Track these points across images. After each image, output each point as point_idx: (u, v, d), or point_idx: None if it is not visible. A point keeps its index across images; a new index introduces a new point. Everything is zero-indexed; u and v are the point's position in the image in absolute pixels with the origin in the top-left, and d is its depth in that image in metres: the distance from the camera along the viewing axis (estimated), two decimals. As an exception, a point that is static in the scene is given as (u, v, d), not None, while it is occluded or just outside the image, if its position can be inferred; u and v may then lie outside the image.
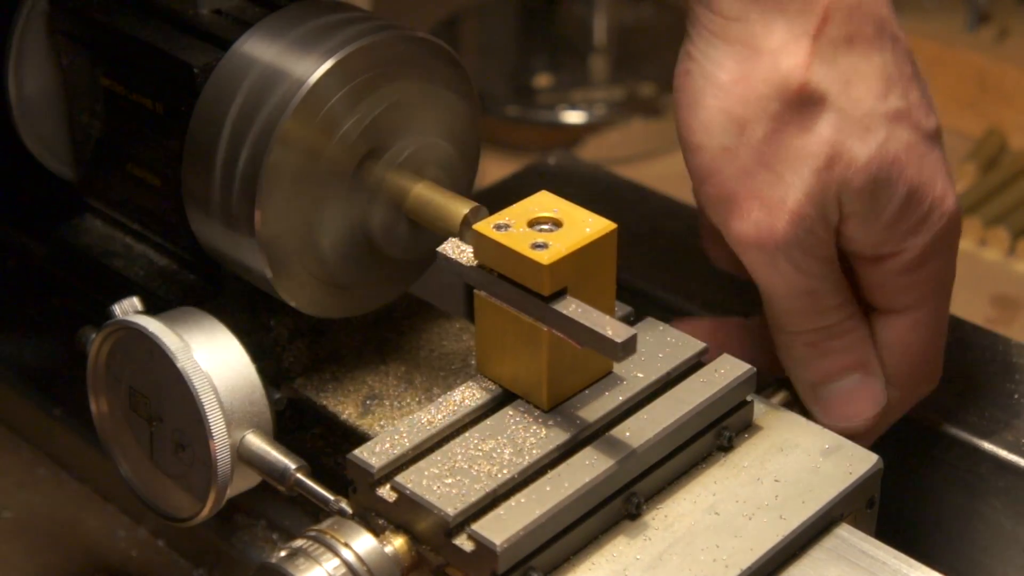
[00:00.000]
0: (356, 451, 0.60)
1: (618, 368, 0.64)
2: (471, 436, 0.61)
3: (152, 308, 0.67)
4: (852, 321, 0.67)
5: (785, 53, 0.62)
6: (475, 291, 0.62)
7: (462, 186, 0.69)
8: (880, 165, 0.63)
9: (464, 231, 0.64)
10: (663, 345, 0.65)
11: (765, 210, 0.63)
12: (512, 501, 0.58)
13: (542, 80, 1.35)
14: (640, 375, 0.63)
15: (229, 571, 0.76)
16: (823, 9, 0.63)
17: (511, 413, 0.62)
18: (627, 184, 0.94)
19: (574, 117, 1.31)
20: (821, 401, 0.68)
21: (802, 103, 0.63)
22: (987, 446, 0.72)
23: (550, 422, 0.61)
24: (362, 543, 0.59)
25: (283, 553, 0.59)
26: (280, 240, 0.65)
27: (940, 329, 0.69)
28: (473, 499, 0.58)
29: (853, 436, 0.65)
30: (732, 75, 0.63)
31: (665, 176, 1.15)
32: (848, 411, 0.68)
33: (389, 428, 0.62)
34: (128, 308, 0.67)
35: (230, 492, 0.65)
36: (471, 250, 0.62)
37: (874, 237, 0.65)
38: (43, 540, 0.82)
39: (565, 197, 0.62)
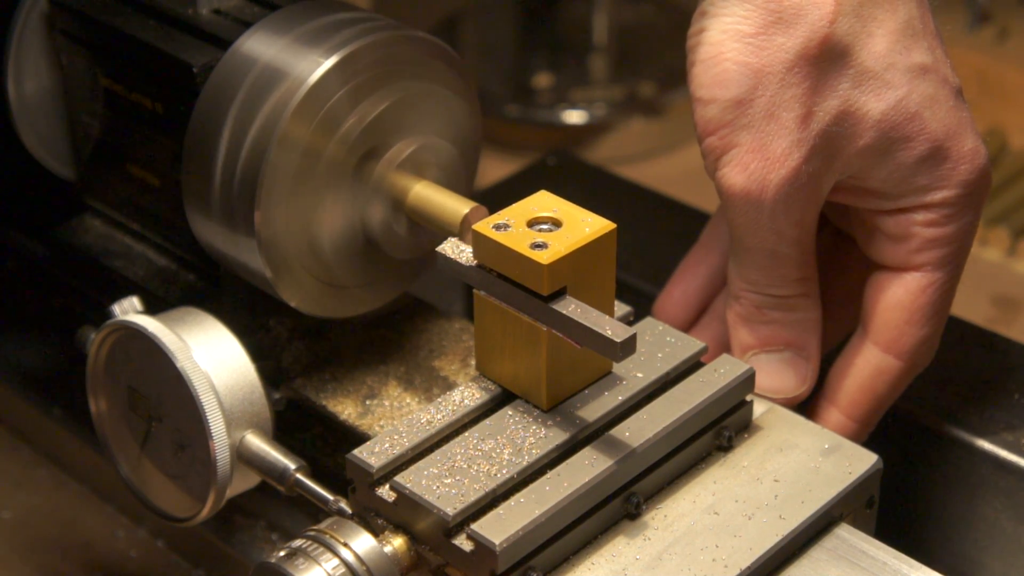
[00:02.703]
0: (355, 451, 0.60)
1: (618, 368, 0.64)
2: (470, 436, 0.61)
3: (152, 308, 0.67)
4: (805, 300, 0.67)
5: (811, 5, 0.63)
6: (475, 291, 0.62)
7: (462, 186, 0.69)
8: (896, 120, 0.64)
9: (464, 231, 0.64)
10: (662, 345, 0.65)
11: (764, 162, 0.64)
12: (511, 501, 0.58)
13: (542, 80, 1.35)
14: (640, 375, 0.63)
15: (228, 571, 0.76)
16: None
17: (510, 413, 0.62)
18: (627, 184, 0.94)
19: (574, 117, 1.31)
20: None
21: (823, 56, 0.63)
22: (987, 446, 0.72)
23: (549, 422, 0.61)
24: (361, 543, 0.59)
25: (282, 553, 0.59)
26: (280, 240, 0.65)
27: (948, 301, 0.68)
28: (472, 499, 0.58)
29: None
30: (754, 27, 0.63)
31: (665, 176, 1.15)
32: (768, 384, 0.68)
33: (388, 428, 0.62)
34: (128, 308, 0.67)
35: (230, 492, 0.65)
36: (471, 250, 0.62)
37: (895, 188, 0.65)
38: (43, 540, 0.82)
39: (565, 197, 0.62)
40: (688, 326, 0.74)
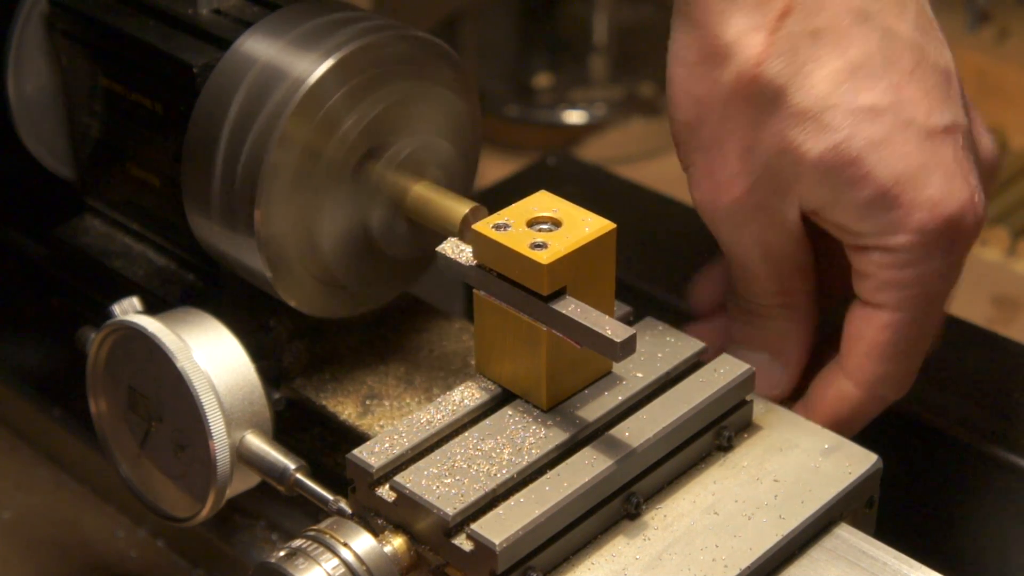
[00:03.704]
0: (355, 451, 0.60)
1: (617, 368, 0.64)
2: (470, 436, 0.61)
3: (152, 308, 0.67)
4: (785, 311, 0.67)
5: (740, 44, 0.62)
6: (474, 291, 0.62)
7: (462, 186, 0.69)
8: (835, 163, 0.62)
9: (463, 231, 0.64)
10: (662, 345, 0.65)
11: (713, 185, 0.65)
12: (511, 501, 0.58)
13: (542, 80, 1.35)
14: (639, 375, 0.63)
15: (228, 571, 0.76)
16: (784, 2, 0.62)
17: (510, 413, 0.62)
18: (627, 184, 0.94)
19: (574, 117, 1.31)
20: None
21: (755, 95, 0.62)
22: (987, 446, 0.72)
23: (549, 422, 0.61)
24: (361, 543, 0.59)
25: (282, 553, 0.59)
26: (280, 240, 0.65)
27: (917, 339, 0.65)
28: (472, 499, 0.58)
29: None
30: (695, 57, 0.64)
31: (665, 176, 1.15)
32: None
33: (388, 428, 0.62)
34: (128, 308, 0.67)
35: (229, 492, 0.65)
36: (470, 250, 0.62)
37: (849, 228, 0.64)
38: (43, 540, 0.82)
39: (565, 197, 0.62)
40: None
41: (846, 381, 0.66)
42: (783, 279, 0.67)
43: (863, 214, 0.62)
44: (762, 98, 0.62)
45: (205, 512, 0.65)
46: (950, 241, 0.63)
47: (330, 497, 0.62)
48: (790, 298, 0.67)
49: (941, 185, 0.62)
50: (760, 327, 0.68)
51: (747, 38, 0.62)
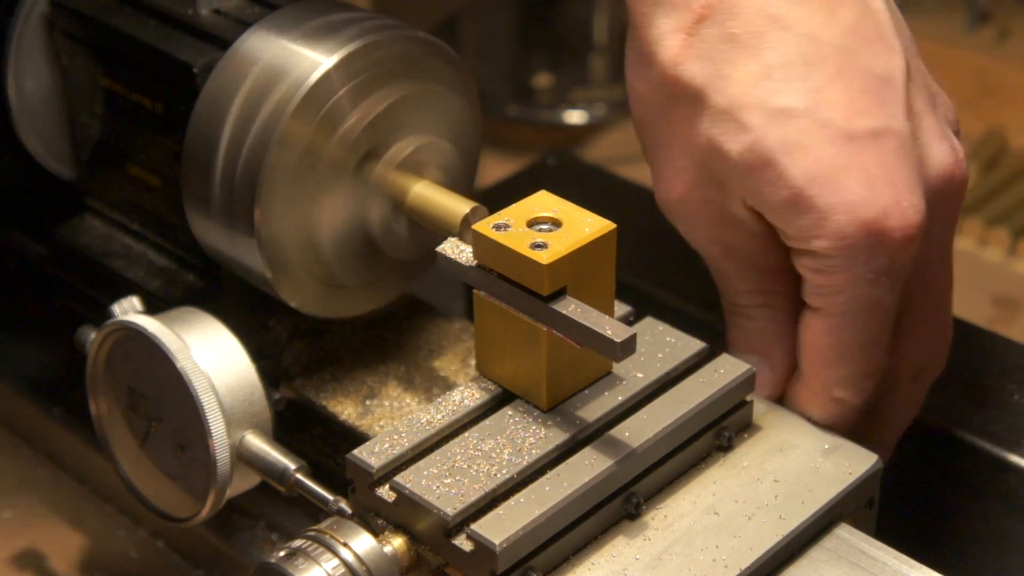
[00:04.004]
0: (355, 451, 0.60)
1: (617, 368, 0.64)
2: (470, 436, 0.61)
3: (152, 308, 0.67)
4: (764, 311, 0.67)
5: (660, 47, 0.64)
6: (474, 291, 0.62)
7: (462, 186, 0.69)
8: (752, 163, 0.62)
9: (464, 231, 0.64)
10: (662, 345, 0.65)
11: (662, 183, 0.67)
12: (511, 501, 0.58)
13: (542, 80, 1.35)
14: (640, 375, 0.63)
15: (228, 571, 0.76)
16: (701, 6, 0.63)
17: (510, 413, 0.62)
18: (627, 184, 0.94)
19: (574, 117, 1.31)
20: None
21: (679, 95, 0.64)
22: (987, 446, 0.72)
23: (549, 422, 0.61)
24: (361, 543, 0.59)
25: (282, 553, 0.59)
26: (280, 240, 0.65)
27: (863, 344, 0.64)
28: (472, 499, 0.58)
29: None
30: (634, 57, 0.66)
31: (665, 176, 1.15)
32: None
33: (388, 428, 0.62)
34: (128, 308, 0.67)
35: (229, 492, 0.65)
36: (470, 250, 0.62)
37: (779, 229, 0.63)
38: (43, 540, 0.82)
39: (565, 197, 0.62)
40: None
41: (803, 387, 0.66)
42: (758, 279, 0.66)
43: (784, 216, 0.62)
44: (685, 98, 0.64)
45: (205, 512, 0.65)
46: (872, 246, 0.61)
47: (330, 497, 0.62)
48: (769, 298, 0.67)
49: (860, 189, 0.61)
50: (743, 328, 0.68)
51: (667, 39, 0.64)
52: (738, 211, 0.64)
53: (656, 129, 0.66)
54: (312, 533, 0.59)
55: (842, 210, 0.61)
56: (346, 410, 0.68)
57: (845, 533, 0.62)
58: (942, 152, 0.64)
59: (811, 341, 0.65)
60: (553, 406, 0.62)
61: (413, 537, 0.59)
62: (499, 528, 0.56)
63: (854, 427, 0.66)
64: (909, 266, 0.63)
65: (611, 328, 0.58)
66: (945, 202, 0.64)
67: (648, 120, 0.66)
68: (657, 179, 0.67)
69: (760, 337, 0.67)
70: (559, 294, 0.59)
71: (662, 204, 0.67)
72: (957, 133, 0.66)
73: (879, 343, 0.64)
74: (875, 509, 0.65)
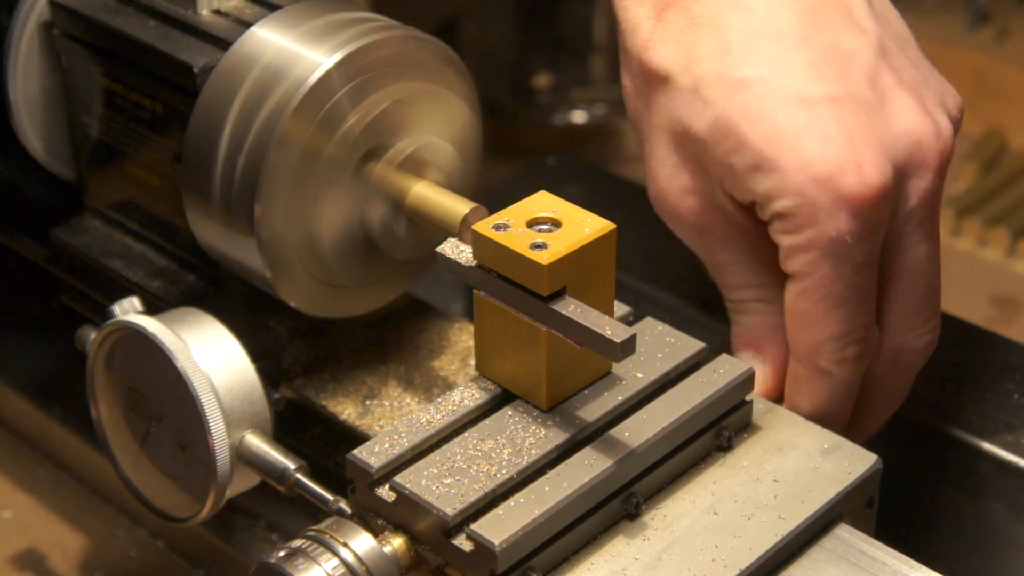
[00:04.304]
0: (355, 451, 0.60)
1: (617, 368, 0.64)
2: (470, 436, 0.61)
3: (152, 308, 0.67)
4: (757, 305, 0.68)
5: (633, 35, 0.67)
6: (474, 291, 0.62)
7: (462, 186, 0.69)
8: (718, 133, 0.64)
9: (463, 231, 0.64)
10: (662, 345, 0.65)
11: (649, 175, 0.69)
12: (511, 501, 0.58)
13: (542, 80, 1.35)
14: (639, 375, 0.64)
15: (228, 571, 0.76)
16: None
17: (510, 413, 0.62)
18: (627, 184, 0.94)
19: (574, 117, 1.31)
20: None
21: (652, 82, 0.66)
22: (987, 446, 0.72)
23: (549, 422, 0.61)
24: (361, 543, 0.59)
25: (282, 553, 0.59)
26: (280, 240, 0.65)
27: (834, 305, 0.64)
28: (472, 499, 0.58)
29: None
30: (621, 56, 0.69)
31: (665, 176, 1.15)
32: None
33: (388, 428, 0.62)
34: (128, 308, 0.67)
35: (229, 492, 0.65)
36: (470, 250, 0.62)
37: (747, 196, 0.65)
38: (43, 540, 0.82)
39: (565, 197, 0.62)
40: None
41: (791, 368, 0.67)
42: (750, 272, 0.67)
43: (752, 183, 0.64)
44: (657, 83, 0.66)
45: (205, 512, 0.65)
46: (833, 202, 0.62)
47: (330, 497, 0.62)
48: (761, 292, 0.68)
49: (818, 148, 0.63)
50: (739, 323, 0.69)
51: (640, 28, 0.67)
52: (720, 199, 0.66)
53: (640, 120, 0.68)
54: (312, 533, 0.59)
55: (800, 168, 0.63)
56: (346, 410, 0.68)
57: (845, 533, 0.62)
58: (914, 122, 0.65)
59: (790, 308, 0.66)
60: (553, 406, 0.62)
61: (413, 537, 0.59)
62: (499, 528, 0.57)
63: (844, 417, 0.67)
64: (879, 231, 0.64)
65: (611, 328, 0.58)
66: (918, 172, 0.65)
67: (634, 113, 0.69)
68: (647, 173, 0.69)
69: (753, 331, 0.68)
70: (559, 294, 0.59)
71: (652, 199, 0.69)
72: (956, 123, 0.67)
73: (857, 305, 0.65)
74: (875, 509, 0.65)
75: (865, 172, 0.62)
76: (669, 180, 0.68)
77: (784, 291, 0.66)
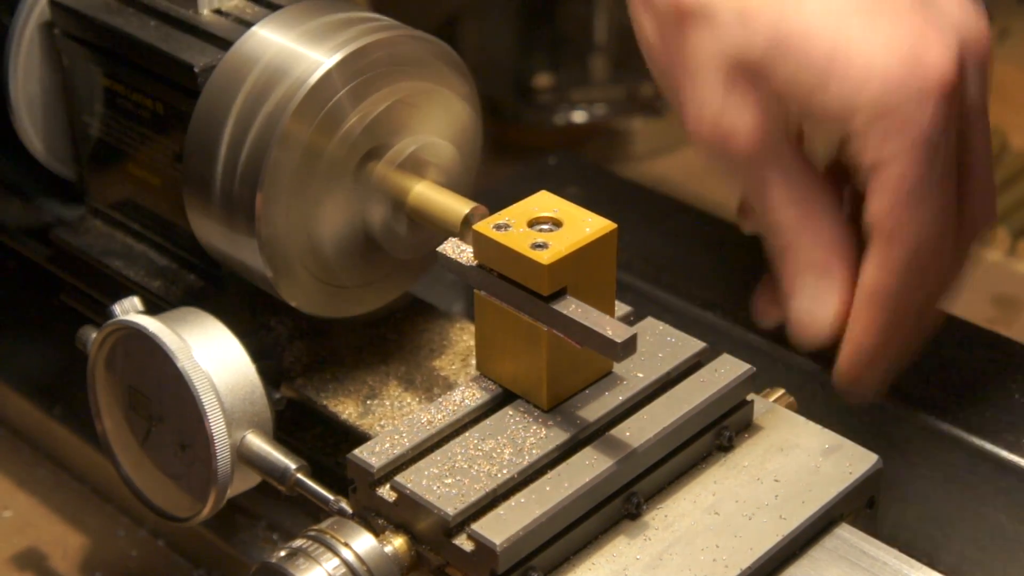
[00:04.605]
0: (356, 451, 0.60)
1: (618, 368, 0.64)
2: (471, 436, 0.61)
3: (153, 308, 0.67)
4: (811, 220, 0.66)
5: None
6: (475, 291, 0.62)
7: (462, 186, 0.69)
8: (777, 56, 0.63)
9: (464, 231, 0.64)
10: (663, 345, 0.65)
11: (696, 113, 0.66)
12: (512, 501, 0.58)
13: (542, 80, 1.35)
14: (640, 375, 0.64)
15: (229, 571, 0.76)
16: None
17: (511, 413, 0.62)
18: (627, 184, 0.94)
19: (574, 117, 1.31)
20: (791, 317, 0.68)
21: (687, 18, 0.65)
22: (987, 446, 0.72)
23: (550, 422, 0.61)
24: (362, 543, 0.59)
25: (283, 553, 0.59)
26: (280, 240, 0.65)
27: (935, 195, 0.64)
28: (473, 499, 0.58)
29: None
30: (639, 3, 0.68)
31: (665, 176, 1.15)
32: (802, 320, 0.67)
33: (389, 428, 0.62)
34: (128, 308, 0.67)
35: (230, 492, 0.65)
36: (471, 250, 0.62)
37: (821, 118, 0.64)
38: (43, 540, 0.82)
39: (565, 197, 0.62)
40: None
41: (874, 283, 0.65)
42: (801, 186, 0.66)
43: (824, 98, 0.63)
44: (694, 18, 0.65)
45: (205, 512, 0.65)
46: (916, 96, 0.62)
47: (331, 497, 0.62)
48: (816, 206, 0.66)
49: (884, 49, 0.62)
50: (794, 248, 0.67)
51: None
52: (780, 124, 0.65)
53: (674, 62, 0.67)
54: (313, 533, 0.59)
55: (874, 73, 0.62)
56: (347, 410, 0.68)
57: (845, 533, 0.62)
58: (962, 13, 0.65)
59: (881, 220, 0.64)
60: (554, 406, 0.62)
61: (414, 537, 0.59)
62: (500, 528, 0.57)
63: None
64: (957, 118, 0.64)
65: (612, 328, 0.58)
66: (972, 61, 0.66)
67: (663, 55, 0.67)
68: (687, 113, 0.67)
69: (811, 250, 0.66)
70: (559, 294, 0.59)
71: (695, 135, 0.66)
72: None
73: (952, 196, 0.65)
74: (876, 509, 0.65)
75: (939, 62, 0.63)
76: (720, 115, 0.65)
77: (866, 208, 0.64)
